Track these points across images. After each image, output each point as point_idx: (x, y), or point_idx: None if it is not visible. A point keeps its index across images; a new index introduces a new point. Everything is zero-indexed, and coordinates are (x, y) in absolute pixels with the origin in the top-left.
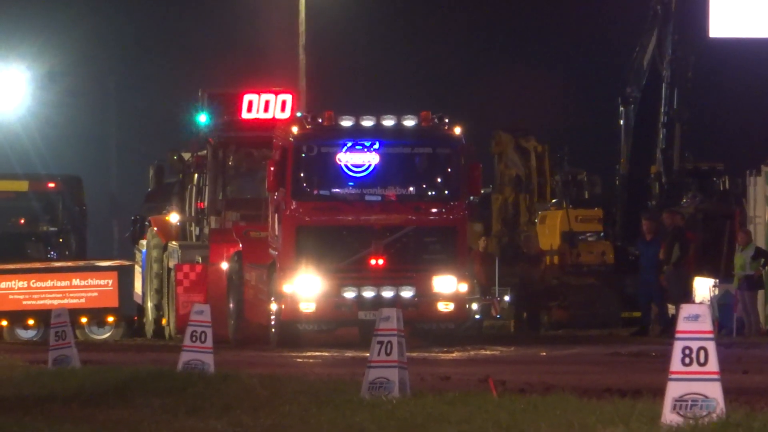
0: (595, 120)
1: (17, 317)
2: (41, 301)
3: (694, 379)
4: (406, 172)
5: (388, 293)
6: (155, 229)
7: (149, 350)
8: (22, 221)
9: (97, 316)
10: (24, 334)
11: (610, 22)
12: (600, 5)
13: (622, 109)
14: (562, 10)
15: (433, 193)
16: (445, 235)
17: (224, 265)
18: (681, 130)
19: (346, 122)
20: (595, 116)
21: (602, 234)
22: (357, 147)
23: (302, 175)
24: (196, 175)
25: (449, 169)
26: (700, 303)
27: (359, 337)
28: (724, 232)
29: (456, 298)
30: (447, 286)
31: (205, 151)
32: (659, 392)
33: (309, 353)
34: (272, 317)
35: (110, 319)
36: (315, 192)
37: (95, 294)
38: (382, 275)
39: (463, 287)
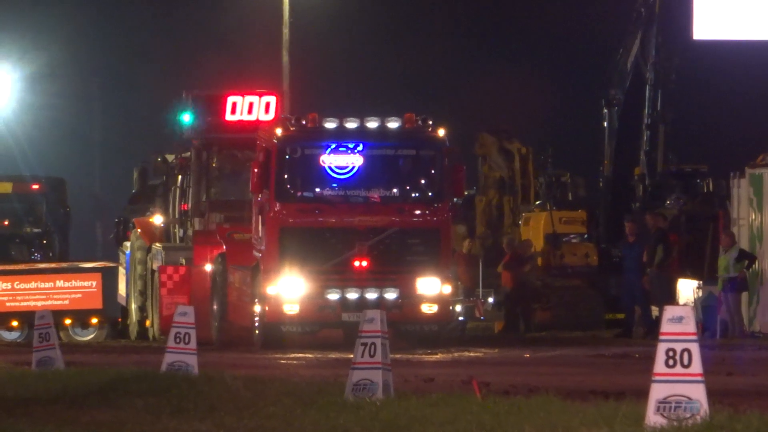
0: (578, 122)
1: (0, 319)
2: (25, 303)
3: (678, 380)
4: (390, 173)
5: (371, 295)
6: (139, 230)
7: (133, 352)
8: (6, 223)
9: (81, 317)
10: (7, 336)
11: (594, 24)
12: (585, 7)
13: (605, 110)
14: (547, 12)
15: (417, 194)
16: (428, 236)
17: (208, 267)
18: (665, 131)
19: (330, 124)
20: (579, 118)
21: (586, 236)
22: (341, 149)
23: (286, 176)
24: (179, 177)
25: (433, 171)
26: (684, 305)
27: (343, 338)
28: (708, 234)
29: (440, 300)
30: (431, 287)
31: (189, 153)
32: (643, 394)
33: (293, 355)
34: (256, 319)
35: (94, 320)
36: (299, 194)
37: (79, 295)
38: (365, 277)
39: (447, 289)
